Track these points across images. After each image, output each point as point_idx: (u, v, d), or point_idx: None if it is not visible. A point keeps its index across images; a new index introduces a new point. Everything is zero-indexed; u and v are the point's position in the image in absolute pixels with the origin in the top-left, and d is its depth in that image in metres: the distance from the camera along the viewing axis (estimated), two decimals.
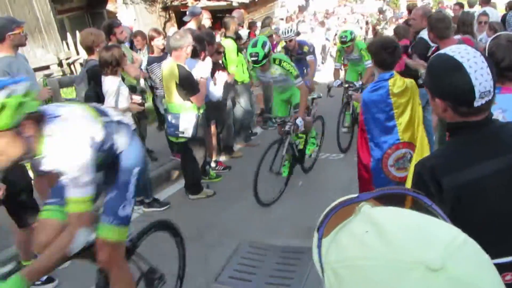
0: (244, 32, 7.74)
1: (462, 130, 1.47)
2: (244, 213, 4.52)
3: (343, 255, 0.53)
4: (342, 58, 6.86)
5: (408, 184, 2.39)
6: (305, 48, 6.74)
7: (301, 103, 4.77)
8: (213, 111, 5.28)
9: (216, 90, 4.90)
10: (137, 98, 4.35)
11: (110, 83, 4.02)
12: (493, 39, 2.27)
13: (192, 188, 4.96)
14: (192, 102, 4.50)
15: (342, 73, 7.14)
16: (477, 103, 1.38)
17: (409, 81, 3.29)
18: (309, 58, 6.72)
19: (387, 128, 3.30)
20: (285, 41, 6.85)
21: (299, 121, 4.63)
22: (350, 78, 6.78)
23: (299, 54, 6.70)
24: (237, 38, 6.71)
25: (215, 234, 4.12)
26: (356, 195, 0.62)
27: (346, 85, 6.22)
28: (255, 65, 4.65)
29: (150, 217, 4.46)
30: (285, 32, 6.68)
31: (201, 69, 4.71)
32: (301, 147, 5.25)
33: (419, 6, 11.30)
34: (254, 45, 4.47)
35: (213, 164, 5.70)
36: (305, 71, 6.71)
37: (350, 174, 4.50)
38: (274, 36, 7.91)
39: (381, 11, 16.95)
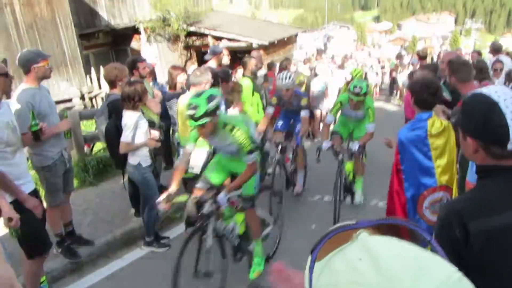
0: (260, 73, 7.88)
1: (492, 173, 1.42)
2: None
3: (335, 279, 0.52)
4: (341, 112, 5.51)
5: None
6: (303, 101, 5.50)
7: (239, 178, 3.51)
8: None
9: None
10: (155, 134, 4.38)
11: (128, 117, 4.08)
12: None
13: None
14: None
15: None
16: (511, 145, 1.33)
17: (446, 123, 3.22)
18: (303, 114, 5.49)
19: (424, 169, 3.22)
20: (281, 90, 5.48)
21: (220, 197, 3.36)
22: (340, 131, 5.62)
23: (294, 106, 5.59)
24: (254, 77, 6.83)
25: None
26: (354, 221, 0.61)
27: (338, 149, 5.13)
28: (192, 123, 3.26)
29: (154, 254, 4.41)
30: (282, 79, 5.33)
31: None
32: (240, 231, 3.98)
33: (449, 52, 11.55)
34: (198, 95, 3.25)
35: None
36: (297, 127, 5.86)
37: None
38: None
39: (399, 57, 17.08)
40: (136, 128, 4.13)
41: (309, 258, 0.60)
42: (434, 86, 3.18)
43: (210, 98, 3.17)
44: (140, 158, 4.24)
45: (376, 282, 0.48)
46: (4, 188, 3.08)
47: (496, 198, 1.40)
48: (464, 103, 1.50)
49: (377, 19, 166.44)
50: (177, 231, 5.05)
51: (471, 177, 2.65)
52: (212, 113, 3.19)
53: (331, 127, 5.78)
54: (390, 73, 16.98)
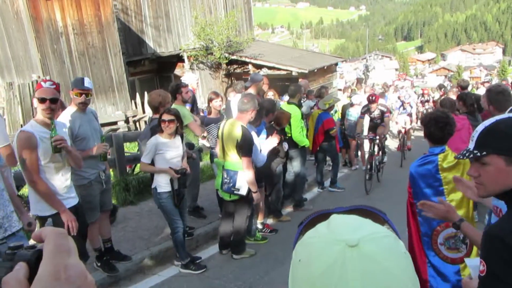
0: (309, 103, 8.15)
1: None
2: (286, 278, 4.43)
3: (302, 238, 0.74)
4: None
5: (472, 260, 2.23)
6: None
7: None
8: (263, 173, 5.38)
9: (261, 156, 4.95)
10: (185, 165, 4.53)
11: (150, 141, 4.28)
12: None
13: (236, 248, 4.98)
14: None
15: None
16: None
17: None
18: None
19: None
20: None
21: None
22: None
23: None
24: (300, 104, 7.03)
25: None
26: (332, 208, 0.83)
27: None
28: None
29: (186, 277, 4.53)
30: None
31: (266, 143, 5.00)
32: None
33: (494, 83, 11.28)
34: None
35: (260, 226, 5.72)
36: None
37: None
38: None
39: (441, 87, 16.79)
40: (155, 153, 4.28)
41: (297, 231, 0.81)
42: (443, 120, 3.13)
43: None
44: (157, 183, 4.36)
45: (324, 234, 0.70)
46: (46, 198, 3.34)
47: None
48: (498, 124, 1.53)
49: (420, 49, 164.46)
50: (210, 251, 5.17)
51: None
52: None
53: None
54: (434, 104, 16.50)
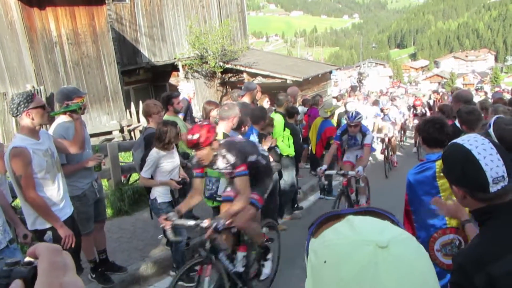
0: (303, 109, 8.16)
1: (491, 214, 1.44)
2: (285, 286, 4.41)
3: (323, 240, 0.74)
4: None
5: None
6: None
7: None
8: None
9: None
10: (184, 175, 4.53)
11: (151, 154, 4.24)
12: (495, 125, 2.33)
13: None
14: None
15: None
16: (493, 188, 1.39)
17: None
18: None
19: (432, 211, 3.19)
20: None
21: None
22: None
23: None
24: (292, 113, 7.04)
25: None
26: (341, 209, 0.86)
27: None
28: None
29: None
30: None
31: None
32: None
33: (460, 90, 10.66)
34: None
35: None
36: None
37: None
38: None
39: (436, 91, 16.92)
40: (156, 167, 4.26)
41: (308, 232, 0.82)
42: (439, 121, 3.17)
43: None
44: (157, 194, 4.35)
45: (350, 235, 0.70)
46: (42, 214, 3.31)
47: (507, 238, 1.41)
48: (444, 154, 1.60)
49: (413, 56, 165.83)
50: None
51: None
52: None
53: None
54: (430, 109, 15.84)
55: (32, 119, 3.28)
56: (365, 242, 0.67)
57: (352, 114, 6.07)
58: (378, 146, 10.42)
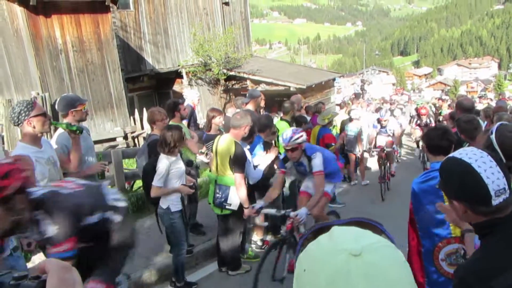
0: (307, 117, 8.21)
1: (492, 228, 1.43)
2: None
3: (305, 249, 0.78)
4: None
5: None
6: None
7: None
8: (261, 189, 5.34)
9: (255, 173, 4.91)
10: (191, 180, 4.51)
11: (161, 162, 4.17)
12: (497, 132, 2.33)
13: (231, 264, 4.93)
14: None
15: None
16: (495, 201, 1.37)
17: None
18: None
19: (437, 220, 3.16)
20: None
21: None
22: None
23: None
24: (300, 122, 7.10)
25: None
26: (332, 221, 0.90)
27: None
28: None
29: None
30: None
31: (263, 159, 5.01)
32: None
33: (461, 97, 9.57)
34: None
35: (259, 243, 5.67)
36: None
37: None
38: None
39: (442, 101, 16.91)
40: (168, 174, 4.19)
41: (298, 243, 0.89)
42: (442, 128, 3.18)
43: None
44: (170, 203, 4.27)
45: (326, 244, 0.74)
46: None
47: (509, 250, 1.40)
48: (441, 169, 1.56)
49: (416, 64, 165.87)
50: (209, 269, 5.14)
51: None
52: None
53: None
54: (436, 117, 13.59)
55: (34, 127, 3.30)
56: (339, 250, 0.70)
57: (286, 135, 4.40)
58: (373, 159, 9.50)
